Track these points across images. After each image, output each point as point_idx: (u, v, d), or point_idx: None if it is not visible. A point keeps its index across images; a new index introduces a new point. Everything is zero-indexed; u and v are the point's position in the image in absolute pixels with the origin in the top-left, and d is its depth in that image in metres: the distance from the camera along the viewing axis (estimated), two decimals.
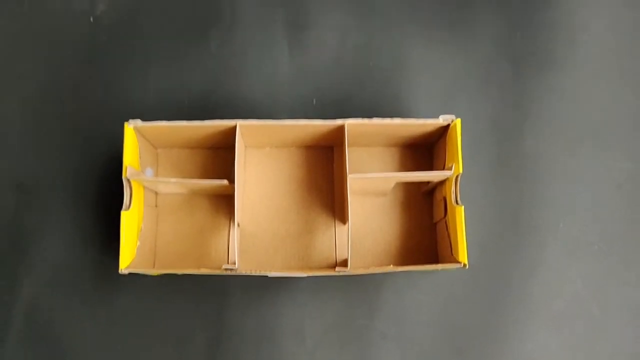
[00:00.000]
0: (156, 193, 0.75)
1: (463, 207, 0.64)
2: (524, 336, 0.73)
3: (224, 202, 0.74)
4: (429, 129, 0.68)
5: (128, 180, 0.64)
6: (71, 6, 0.82)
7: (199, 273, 0.65)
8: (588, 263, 0.75)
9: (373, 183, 0.69)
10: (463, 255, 0.63)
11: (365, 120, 0.66)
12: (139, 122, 0.65)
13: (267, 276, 0.72)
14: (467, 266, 0.63)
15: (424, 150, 0.75)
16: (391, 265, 0.65)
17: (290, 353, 0.73)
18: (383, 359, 0.72)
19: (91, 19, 0.81)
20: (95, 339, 0.73)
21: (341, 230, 0.74)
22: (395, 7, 0.82)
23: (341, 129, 0.67)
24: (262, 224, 0.74)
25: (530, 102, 0.79)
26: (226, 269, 0.62)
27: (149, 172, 0.71)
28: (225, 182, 0.64)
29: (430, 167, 0.73)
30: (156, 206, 0.74)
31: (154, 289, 0.74)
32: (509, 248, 0.75)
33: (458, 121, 0.66)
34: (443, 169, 0.69)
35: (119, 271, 0.62)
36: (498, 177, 0.77)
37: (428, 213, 0.75)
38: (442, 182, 0.70)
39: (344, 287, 0.74)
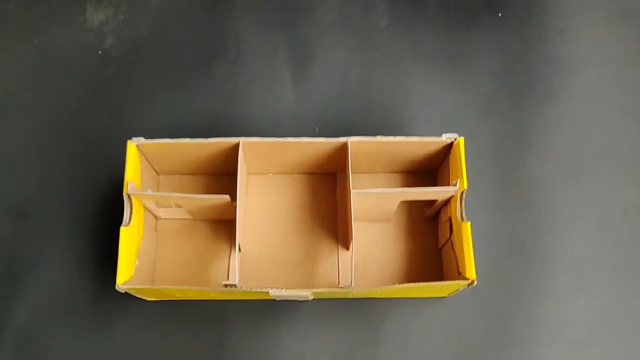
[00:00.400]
0: (157, 218, 0.74)
1: (469, 223, 0.63)
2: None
3: (225, 227, 0.73)
4: (432, 148, 0.68)
5: (129, 196, 0.63)
6: (80, 40, 0.84)
7: (198, 290, 0.63)
8: (597, 291, 0.73)
9: (376, 205, 0.68)
10: (471, 272, 0.61)
11: (369, 138, 0.66)
12: (142, 140, 0.65)
13: (267, 300, 0.70)
14: (476, 283, 0.61)
15: (427, 177, 0.75)
16: (396, 284, 0.63)
17: None
18: None
19: (99, 52, 0.83)
20: None
21: (344, 256, 0.72)
22: (395, 43, 0.85)
23: (344, 149, 0.67)
24: (264, 250, 0.73)
25: (530, 132, 0.80)
26: (226, 285, 0.60)
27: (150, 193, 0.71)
28: (227, 197, 0.63)
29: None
30: (156, 230, 0.73)
31: (151, 316, 0.71)
32: (516, 276, 0.74)
33: (461, 139, 0.66)
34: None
35: (116, 286, 0.60)
36: (502, 205, 0.76)
37: (432, 239, 0.73)
38: (446, 203, 0.69)
39: (347, 315, 0.72)
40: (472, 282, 0.61)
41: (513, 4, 0.87)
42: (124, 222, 0.63)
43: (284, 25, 0.85)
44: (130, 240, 0.63)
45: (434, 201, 0.70)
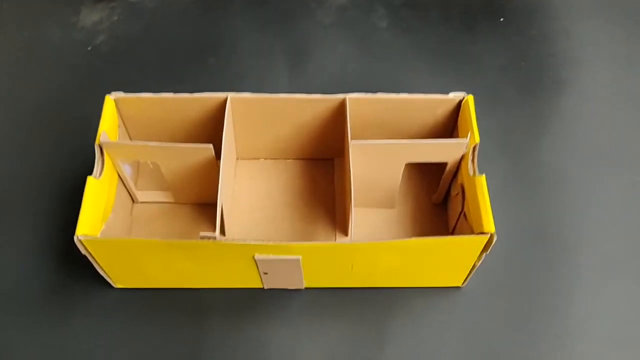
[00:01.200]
0: (133, 201, 0.66)
1: (484, 175, 0.55)
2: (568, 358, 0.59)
3: (208, 212, 0.65)
4: (439, 112, 0.62)
5: (100, 148, 0.56)
6: (71, 37, 0.82)
7: (173, 246, 0.52)
8: (626, 281, 0.63)
9: (379, 170, 0.60)
10: (489, 225, 0.52)
11: (369, 95, 0.60)
12: (120, 94, 0.60)
13: (252, 290, 0.60)
14: (495, 238, 0.52)
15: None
16: (404, 238, 0.53)
17: None
18: None
19: (89, 48, 0.80)
20: None
21: (342, 241, 0.63)
22: (396, 42, 0.82)
23: (342, 109, 0.61)
24: (252, 236, 0.64)
25: (540, 122, 0.74)
26: (203, 237, 0.51)
27: (127, 168, 0.64)
28: (209, 147, 0.56)
29: (439, 175, 0.65)
30: (131, 214, 0.65)
31: (115, 309, 0.61)
32: (537, 264, 0.64)
33: (470, 97, 0.60)
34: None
35: (75, 237, 0.51)
36: (516, 191, 0.69)
37: (442, 225, 0.65)
38: (456, 176, 0.62)
39: (347, 307, 0.61)
40: (492, 236, 0.52)
41: (514, 9, 0.85)
42: (93, 174, 0.55)
43: (281, 24, 0.83)
44: (98, 194, 0.56)
45: (442, 184, 0.63)
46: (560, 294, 0.62)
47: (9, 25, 0.82)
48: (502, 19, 0.84)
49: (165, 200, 0.66)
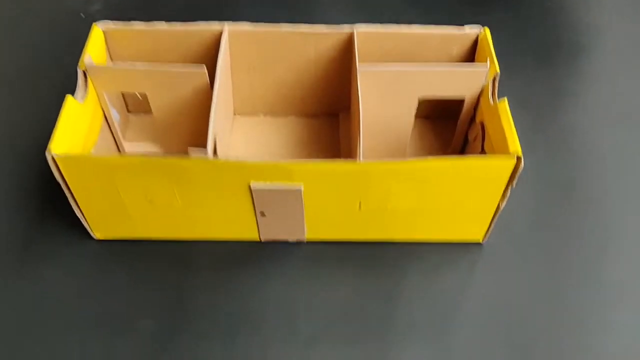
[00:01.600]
0: (120, 153, 0.60)
1: (505, 99, 0.49)
2: (600, 328, 0.51)
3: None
4: (454, 53, 0.57)
5: (84, 74, 0.51)
6: (65, 5, 0.78)
7: (156, 159, 0.46)
8: None
9: (390, 101, 0.54)
10: (515, 145, 0.46)
11: (378, 27, 0.56)
12: (109, 24, 0.55)
13: (245, 243, 0.53)
14: (522, 158, 0.46)
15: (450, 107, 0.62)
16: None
17: (275, 348, 0.50)
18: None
19: (82, 14, 0.77)
20: (16, 320, 0.50)
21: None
22: (408, 9, 0.79)
23: (349, 44, 0.56)
24: None
25: (560, 85, 0.70)
26: (194, 153, 0.45)
27: (115, 114, 0.58)
28: (203, 69, 0.51)
29: (454, 129, 0.60)
30: None
31: (93, 261, 0.54)
32: (566, 223, 0.58)
33: (486, 29, 0.55)
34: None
35: (47, 154, 0.45)
36: (538, 150, 0.63)
37: None
38: (474, 122, 0.56)
39: (354, 262, 0.54)
40: (519, 159, 0.46)
41: None
42: (74, 96, 0.50)
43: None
44: (78, 119, 0.50)
45: (459, 128, 0.58)
46: (589, 254, 0.55)
47: None
48: None
49: (155, 150, 0.60)
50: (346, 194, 0.49)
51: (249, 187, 0.48)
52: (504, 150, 0.47)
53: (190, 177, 0.47)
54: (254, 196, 0.48)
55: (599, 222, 0.58)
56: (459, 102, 0.56)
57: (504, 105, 0.49)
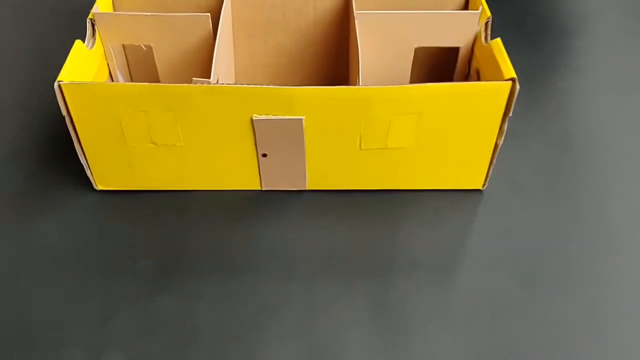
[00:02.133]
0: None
1: (499, 37, 0.51)
2: (604, 263, 0.51)
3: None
4: (450, 9, 0.59)
5: (92, 24, 0.53)
6: None
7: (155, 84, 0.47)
8: None
9: (387, 73, 0.56)
10: (509, 71, 0.48)
11: None
12: None
13: (247, 193, 0.54)
14: (518, 82, 0.47)
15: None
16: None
17: (274, 285, 0.49)
18: (415, 300, 0.48)
19: None
20: (16, 265, 0.50)
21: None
22: None
23: (345, 10, 0.59)
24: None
25: (551, 59, 0.73)
26: (197, 82, 0.46)
27: (121, 80, 0.60)
28: (207, 16, 0.53)
29: (452, 72, 0.61)
30: None
31: (94, 210, 0.55)
32: (565, 172, 0.58)
33: None
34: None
35: (55, 84, 0.46)
36: (535, 112, 0.65)
37: None
38: (470, 73, 0.58)
39: (354, 209, 0.55)
40: (514, 81, 0.47)
41: None
42: (85, 43, 0.52)
43: None
44: (86, 62, 0.52)
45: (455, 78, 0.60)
46: (588, 199, 0.56)
47: None
48: None
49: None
50: (347, 126, 0.50)
51: (251, 120, 0.48)
52: (499, 78, 0.49)
53: (193, 108, 0.48)
54: (255, 130, 0.49)
55: (596, 171, 0.58)
56: (454, 59, 0.58)
57: (498, 43, 0.51)
